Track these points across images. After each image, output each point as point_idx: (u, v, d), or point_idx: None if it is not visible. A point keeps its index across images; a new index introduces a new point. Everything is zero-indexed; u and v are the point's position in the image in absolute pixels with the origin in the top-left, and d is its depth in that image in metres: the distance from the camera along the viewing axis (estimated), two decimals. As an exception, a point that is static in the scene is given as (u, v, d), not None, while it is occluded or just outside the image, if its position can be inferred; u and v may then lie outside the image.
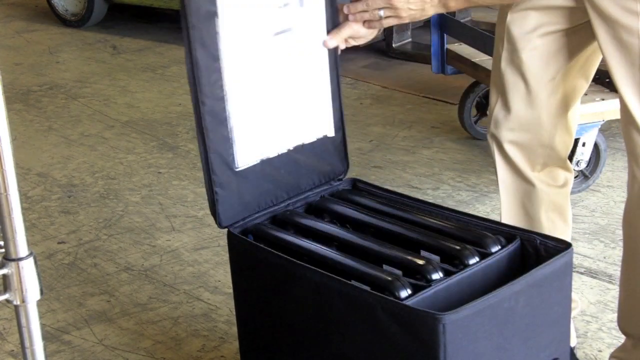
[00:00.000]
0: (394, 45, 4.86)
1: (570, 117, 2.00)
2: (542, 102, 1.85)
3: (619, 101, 1.82)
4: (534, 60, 1.91)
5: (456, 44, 3.62)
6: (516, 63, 1.92)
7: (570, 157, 3.06)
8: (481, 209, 3.04)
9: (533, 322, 1.63)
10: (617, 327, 2.06)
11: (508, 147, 1.99)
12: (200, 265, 2.74)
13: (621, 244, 2.00)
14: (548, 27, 1.88)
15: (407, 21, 1.75)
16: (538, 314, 1.63)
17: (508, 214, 2.06)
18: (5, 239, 1.29)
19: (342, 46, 1.80)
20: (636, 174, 1.84)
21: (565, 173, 2.06)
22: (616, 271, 2.07)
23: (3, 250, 1.30)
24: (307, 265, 1.67)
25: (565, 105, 1.97)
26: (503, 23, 1.94)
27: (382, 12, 1.72)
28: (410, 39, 4.92)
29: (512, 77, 1.94)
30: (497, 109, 1.99)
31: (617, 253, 2.32)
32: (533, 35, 1.89)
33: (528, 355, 1.64)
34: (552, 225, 2.03)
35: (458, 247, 1.69)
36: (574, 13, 1.85)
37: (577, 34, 1.88)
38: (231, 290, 1.88)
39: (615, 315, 2.08)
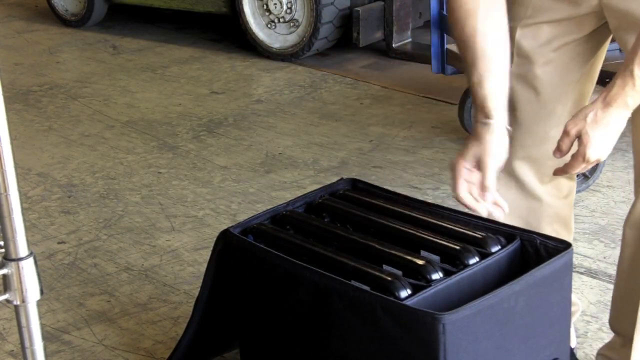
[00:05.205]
0: (394, 45, 4.85)
1: None
2: (554, 114, 1.82)
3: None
4: (549, 74, 1.87)
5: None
6: (529, 78, 1.87)
7: (570, 157, 3.05)
8: (481, 209, 3.04)
9: (533, 322, 1.63)
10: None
11: (517, 165, 1.95)
12: (200, 265, 2.73)
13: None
14: (562, 38, 1.84)
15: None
16: (538, 314, 1.63)
17: None
18: (5, 239, 1.29)
19: None
20: None
21: (569, 182, 2.04)
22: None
23: (3, 250, 1.30)
24: (307, 265, 1.67)
25: (573, 113, 1.95)
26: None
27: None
28: (410, 39, 4.91)
29: (523, 92, 1.89)
30: None
31: (617, 253, 2.31)
32: (547, 49, 1.85)
33: (528, 355, 1.64)
34: (557, 236, 2.01)
35: (458, 247, 1.69)
36: (587, 21, 1.82)
37: (590, 42, 1.85)
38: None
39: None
